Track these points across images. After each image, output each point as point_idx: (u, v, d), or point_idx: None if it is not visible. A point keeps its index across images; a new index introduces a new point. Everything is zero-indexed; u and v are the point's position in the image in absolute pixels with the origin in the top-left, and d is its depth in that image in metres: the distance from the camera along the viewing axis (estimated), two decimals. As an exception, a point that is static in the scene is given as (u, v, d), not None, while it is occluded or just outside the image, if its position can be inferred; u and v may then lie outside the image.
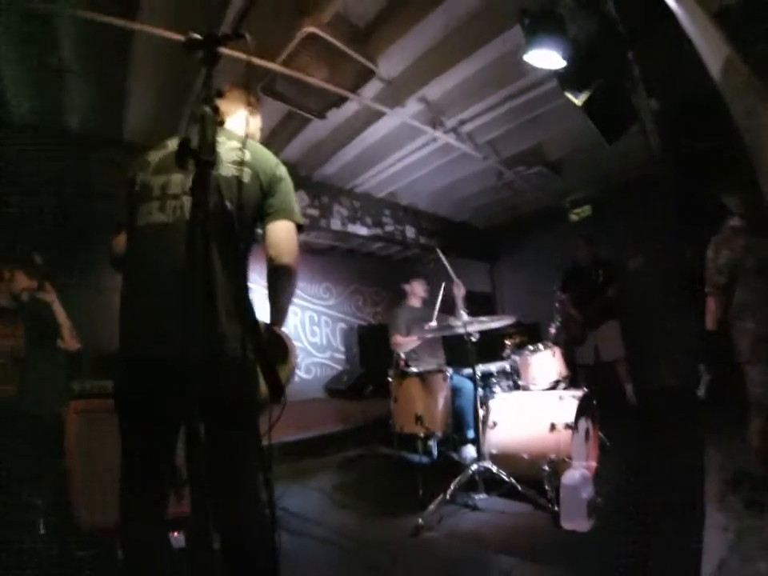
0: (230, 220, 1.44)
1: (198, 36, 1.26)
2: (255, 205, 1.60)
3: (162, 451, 1.59)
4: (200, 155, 1.14)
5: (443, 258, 4.30)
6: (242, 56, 1.31)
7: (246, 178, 1.58)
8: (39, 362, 3.27)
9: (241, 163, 1.57)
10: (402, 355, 3.96)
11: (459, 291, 4.33)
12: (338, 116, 4.46)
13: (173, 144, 1.70)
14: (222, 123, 1.20)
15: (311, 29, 3.24)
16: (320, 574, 1.58)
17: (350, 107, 4.38)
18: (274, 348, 1.62)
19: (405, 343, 4.39)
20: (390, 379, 3.71)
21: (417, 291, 4.74)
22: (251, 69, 1.36)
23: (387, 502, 3.39)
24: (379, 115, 4.47)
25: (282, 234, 1.63)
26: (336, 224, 5.95)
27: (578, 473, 2.73)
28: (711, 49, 1.13)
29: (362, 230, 6.21)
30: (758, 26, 1.01)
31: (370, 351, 7.13)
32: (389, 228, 6.51)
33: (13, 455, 2.79)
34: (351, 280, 8.24)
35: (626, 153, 4.52)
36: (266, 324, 1.63)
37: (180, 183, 1.57)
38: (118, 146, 4.45)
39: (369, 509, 3.31)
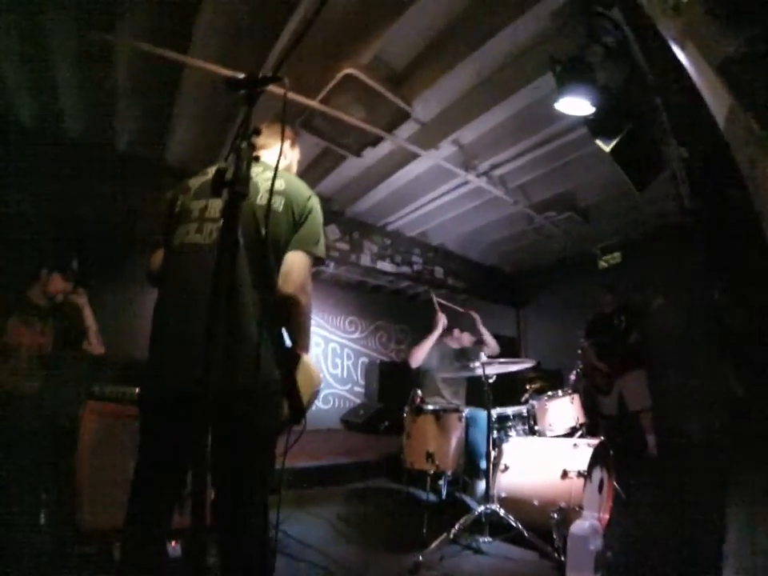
0: (263, 246, 1.51)
1: (240, 75, 1.33)
2: (287, 233, 1.64)
3: (179, 461, 1.62)
4: (234, 186, 1.22)
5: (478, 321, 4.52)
6: (280, 92, 1.40)
7: (280, 206, 1.65)
8: (64, 362, 3.37)
9: (274, 192, 1.62)
10: (420, 392, 3.94)
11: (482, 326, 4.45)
12: (373, 155, 4.62)
13: (213, 171, 1.80)
14: (257, 158, 1.28)
15: (349, 70, 3.40)
16: None
17: (385, 147, 4.52)
18: (299, 373, 1.65)
19: (423, 350, 4.35)
20: (404, 415, 3.69)
21: (462, 341, 4.71)
22: (288, 107, 1.43)
23: (390, 537, 3.34)
24: (413, 156, 4.61)
25: (293, 264, 1.65)
26: (365, 260, 6.04)
27: (587, 523, 2.64)
28: (715, 99, 1.17)
29: (391, 267, 6.29)
30: (759, 77, 1.05)
31: (390, 388, 7.13)
32: (417, 267, 6.58)
33: (27, 448, 2.88)
34: (377, 316, 8.30)
35: (656, 200, 4.51)
36: (292, 349, 1.67)
37: (218, 208, 1.64)
38: (160, 169, 4.71)
39: (370, 542, 3.25)
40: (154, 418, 1.60)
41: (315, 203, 1.77)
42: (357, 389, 7.85)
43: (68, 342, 3.45)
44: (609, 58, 3.04)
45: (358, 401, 7.70)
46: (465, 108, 4.00)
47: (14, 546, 2.52)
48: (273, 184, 1.55)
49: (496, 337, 4.70)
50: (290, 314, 1.66)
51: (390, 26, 3.18)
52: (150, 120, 4.15)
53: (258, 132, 1.33)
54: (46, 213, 4.29)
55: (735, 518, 2.16)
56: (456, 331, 4.72)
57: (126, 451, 2.89)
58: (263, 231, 1.54)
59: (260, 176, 1.68)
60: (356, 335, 8.03)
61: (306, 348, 1.72)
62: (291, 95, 1.32)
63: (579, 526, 2.62)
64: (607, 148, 3.30)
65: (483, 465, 3.67)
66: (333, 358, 7.65)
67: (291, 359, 1.63)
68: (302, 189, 1.77)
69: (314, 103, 3.63)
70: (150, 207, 4.52)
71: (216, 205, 1.66)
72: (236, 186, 1.22)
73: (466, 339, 4.69)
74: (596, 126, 3.32)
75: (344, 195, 5.52)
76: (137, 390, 3.24)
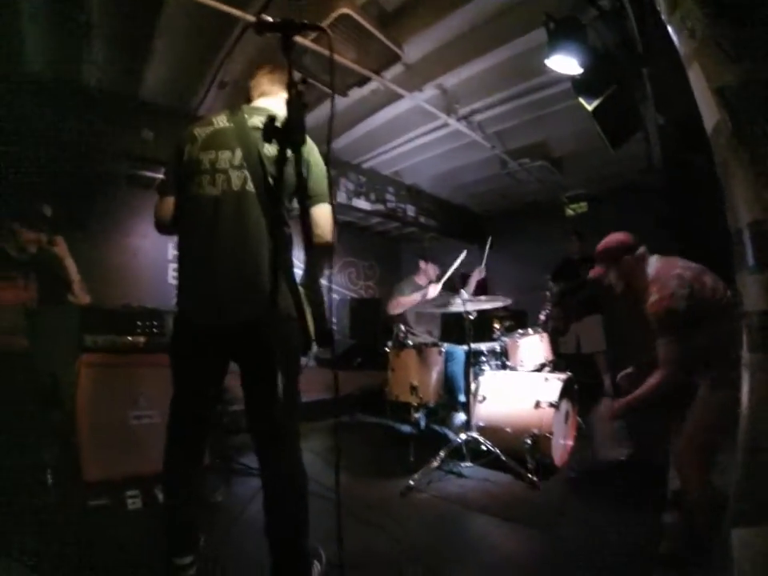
0: (274, 193, 1.64)
1: (271, 19, 1.34)
2: (291, 183, 1.75)
3: (213, 385, 1.87)
4: (290, 136, 1.33)
5: (487, 247, 4.77)
6: (316, 48, 1.43)
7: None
8: (51, 316, 3.35)
9: None
10: (403, 328, 4.18)
11: (478, 276, 4.76)
12: (354, 93, 4.57)
13: (219, 121, 1.92)
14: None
15: (345, 9, 3.35)
16: (316, 527, 1.81)
17: (369, 86, 4.48)
18: (315, 304, 1.84)
19: (405, 304, 4.64)
20: (387, 350, 3.93)
21: (429, 273, 4.98)
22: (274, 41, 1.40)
23: (378, 466, 3.65)
24: (396, 97, 4.59)
25: (324, 216, 1.85)
26: (341, 197, 6.07)
27: (605, 405, 2.77)
28: (708, 111, 1.39)
29: (366, 205, 6.35)
30: (745, 105, 1.28)
31: (360, 324, 7.30)
32: (391, 205, 6.66)
33: (23, 407, 2.90)
34: (346, 253, 8.35)
35: (627, 157, 4.73)
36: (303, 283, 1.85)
37: (227, 159, 1.82)
38: (133, 105, 4.51)
39: (361, 471, 3.53)
40: (193, 347, 1.80)
41: (317, 154, 1.93)
42: (328, 326, 7.98)
43: (53, 295, 3.40)
44: (602, 21, 3.14)
45: (330, 338, 7.84)
46: (453, 54, 4.01)
47: (25, 509, 2.52)
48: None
49: (465, 276, 4.99)
50: (322, 257, 1.90)
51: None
52: (125, 55, 3.94)
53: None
54: (11, 156, 4.00)
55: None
56: (422, 263, 5.02)
57: (123, 400, 3.11)
58: (270, 180, 1.74)
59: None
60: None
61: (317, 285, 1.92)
62: (334, 55, 1.36)
63: (604, 404, 2.80)
64: (590, 107, 3.43)
65: (461, 397, 4.02)
66: (302, 295, 7.72)
67: (301, 293, 1.80)
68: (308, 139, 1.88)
69: (308, 42, 3.58)
70: (124, 146, 4.42)
71: (225, 156, 1.82)
72: (292, 135, 1.33)
73: (431, 271, 4.97)
74: (581, 85, 3.43)
75: (322, 132, 5.46)
76: (160, 327, 3.42)
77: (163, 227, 1.98)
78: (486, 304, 3.82)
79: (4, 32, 3.44)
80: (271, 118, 1.34)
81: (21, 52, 3.70)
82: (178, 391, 1.87)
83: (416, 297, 4.65)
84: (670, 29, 1.52)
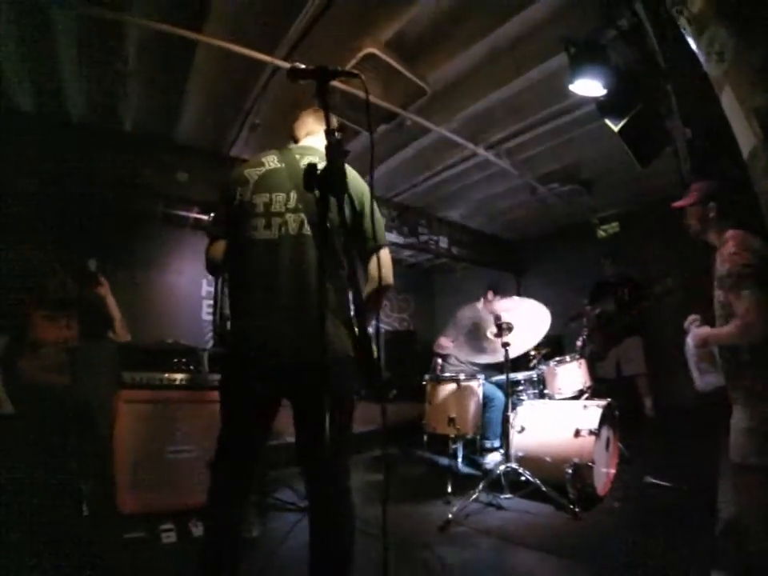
0: (332, 237, 1.68)
1: (304, 66, 1.38)
2: (349, 222, 1.78)
3: (262, 427, 1.87)
4: (332, 186, 1.35)
5: None
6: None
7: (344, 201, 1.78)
8: (91, 352, 3.44)
9: None
10: (440, 361, 4.15)
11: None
12: (382, 128, 4.66)
13: (270, 162, 1.93)
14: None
15: (371, 49, 3.45)
16: (359, 563, 1.78)
17: (396, 121, 4.55)
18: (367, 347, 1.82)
19: (447, 346, 4.58)
20: (424, 383, 3.91)
21: (493, 307, 4.85)
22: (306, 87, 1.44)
23: (417, 499, 3.59)
24: (423, 130, 4.65)
25: (387, 259, 1.89)
26: (374, 231, 6.10)
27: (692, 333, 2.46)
28: (743, 136, 1.36)
29: (398, 239, 6.38)
30: None
31: (395, 356, 7.27)
32: (423, 237, 6.68)
33: (63, 441, 2.96)
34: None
35: (657, 173, 4.65)
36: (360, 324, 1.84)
37: (282, 202, 1.82)
38: (168, 147, 4.68)
39: (399, 504, 3.48)
40: (247, 387, 1.78)
41: (369, 194, 1.89)
42: (364, 359, 7.96)
43: (94, 333, 3.49)
44: (621, 40, 3.14)
45: (365, 371, 7.82)
46: (476, 83, 4.06)
47: (62, 540, 2.55)
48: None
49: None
50: (382, 299, 1.95)
51: (412, 6, 3.21)
52: (160, 99, 4.11)
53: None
54: (53, 199, 4.24)
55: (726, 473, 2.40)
56: (490, 293, 4.94)
57: (160, 435, 3.17)
58: (329, 224, 1.69)
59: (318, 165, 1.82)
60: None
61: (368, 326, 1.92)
62: (371, 98, 1.38)
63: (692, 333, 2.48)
64: (616, 128, 3.40)
65: (497, 443, 3.96)
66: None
67: (361, 334, 1.79)
68: (360, 182, 1.93)
69: (336, 83, 3.69)
70: (159, 187, 4.56)
71: (280, 199, 1.82)
72: (334, 184, 1.35)
73: (496, 304, 4.86)
74: (606, 106, 3.40)
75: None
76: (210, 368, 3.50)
77: (215, 269, 2.02)
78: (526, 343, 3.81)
79: (46, 77, 3.64)
80: (311, 166, 1.35)
81: (61, 95, 3.89)
82: (229, 428, 1.85)
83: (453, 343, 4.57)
84: (697, 52, 1.51)
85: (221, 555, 1.82)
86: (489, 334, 3.93)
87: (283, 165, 1.91)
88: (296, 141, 2.12)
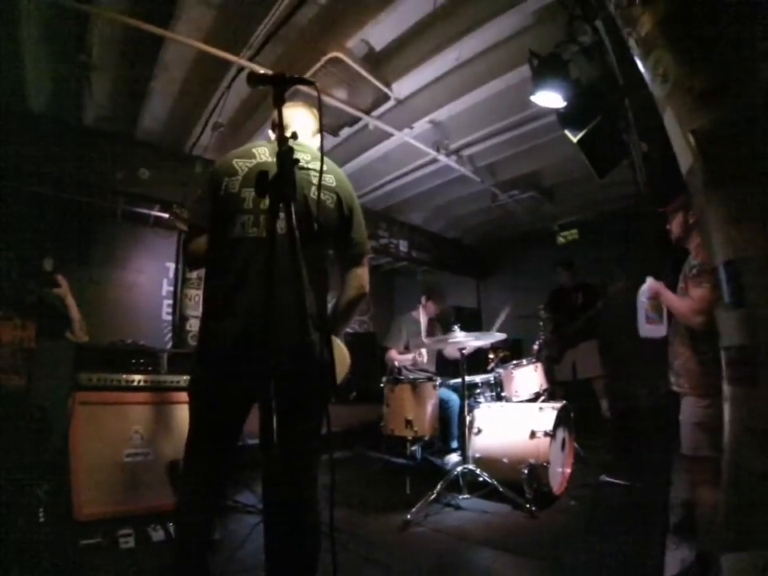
0: (317, 239, 1.64)
1: (263, 72, 1.37)
2: (337, 225, 1.77)
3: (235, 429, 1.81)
4: (282, 192, 1.33)
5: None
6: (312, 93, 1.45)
7: (332, 203, 1.77)
8: (49, 353, 3.36)
9: (326, 188, 1.76)
10: (396, 364, 4.19)
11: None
12: (344, 132, 4.67)
13: (261, 154, 1.83)
14: (297, 162, 1.37)
15: (336, 53, 3.46)
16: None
17: (359, 125, 4.57)
18: (336, 354, 1.77)
19: (399, 360, 4.63)
20: (382, 386, 3.95)
21: (429, 310, 4.93)
22: (322, 112, 1.54)
23: (375, 500, 3.60)
24: (386, 135, 4.68)
25: (365, 268, 1.89)
26: (332, 235, 6.10)
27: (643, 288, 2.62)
28: (682, 155, 1.46)
29: (357, 242, 6.36)
30: (716, 149, 1.35)
31: (355, 358, 7.20)
32: (383, 241, 6.71)
33: (18, 444, 2.87)
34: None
35: (615, 184, 4.82)
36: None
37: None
38: (131, 144, 4.59)
39: (358, 506, 3.50)
40: (225, 390, 1.70)
41: (356, 200, 1.90)
42: (322, 361, 7.93)
43: (52, 334, 3.42)
44: (583, 55, 3.25)
45: (324, 373, 7.79)
46: (441, 91, 4.12)
47: (17, 548, 2.46)
48: (332, 180, 1.78)
49: (459, 309, 5.01)
50: (354, 306, 1.90)
51: (379, 13, 3.24)
52: (123, 94, 4.05)
53: (295, 136, 1.43)
54: (7, 194, 4.07)
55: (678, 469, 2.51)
56: (423, 299, 4.98)
57: (117, 437, 3.07)
58: (315, 225, 1.66)
59: (309, 164, 1.76)
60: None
61: (340, 335, 1.96)
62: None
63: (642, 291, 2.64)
64: (575, 139, 3.51)
65: (454, 444, 4.04)
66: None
67: (329, 341, 1.75)
68: (349, 186, 1.88)
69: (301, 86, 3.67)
70: (120, 185, 4.46)
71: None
72: (284, 191, 1.32)
73: (432, 307, 4.95)
74: (566, 117, 3.51)
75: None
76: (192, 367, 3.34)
77: (197, 263, 1.92)
78: (483, 341, 3.89)
79: (4, 70, 3.49)
80: (263, 173, 1.33)
81: (21, 90, 3.77)
82: (201, 431, 1.78)
83: (408, 356, 4.61)
84: (644, 72, 1.59)
85: (192, 559, 1.79)
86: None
87: (274, 159, 1.86)
88: (282, 139, 2.08)
